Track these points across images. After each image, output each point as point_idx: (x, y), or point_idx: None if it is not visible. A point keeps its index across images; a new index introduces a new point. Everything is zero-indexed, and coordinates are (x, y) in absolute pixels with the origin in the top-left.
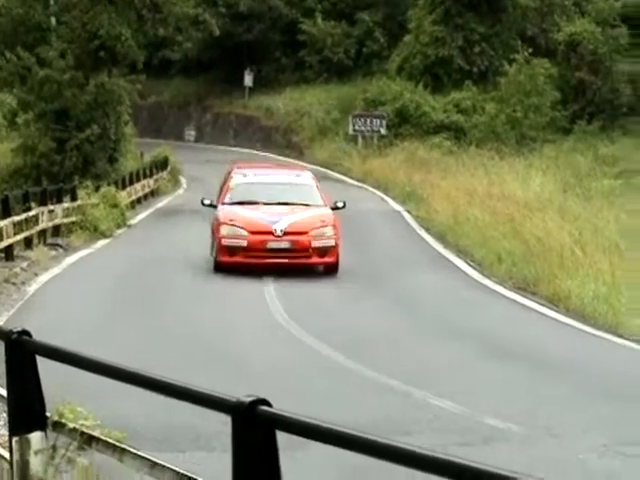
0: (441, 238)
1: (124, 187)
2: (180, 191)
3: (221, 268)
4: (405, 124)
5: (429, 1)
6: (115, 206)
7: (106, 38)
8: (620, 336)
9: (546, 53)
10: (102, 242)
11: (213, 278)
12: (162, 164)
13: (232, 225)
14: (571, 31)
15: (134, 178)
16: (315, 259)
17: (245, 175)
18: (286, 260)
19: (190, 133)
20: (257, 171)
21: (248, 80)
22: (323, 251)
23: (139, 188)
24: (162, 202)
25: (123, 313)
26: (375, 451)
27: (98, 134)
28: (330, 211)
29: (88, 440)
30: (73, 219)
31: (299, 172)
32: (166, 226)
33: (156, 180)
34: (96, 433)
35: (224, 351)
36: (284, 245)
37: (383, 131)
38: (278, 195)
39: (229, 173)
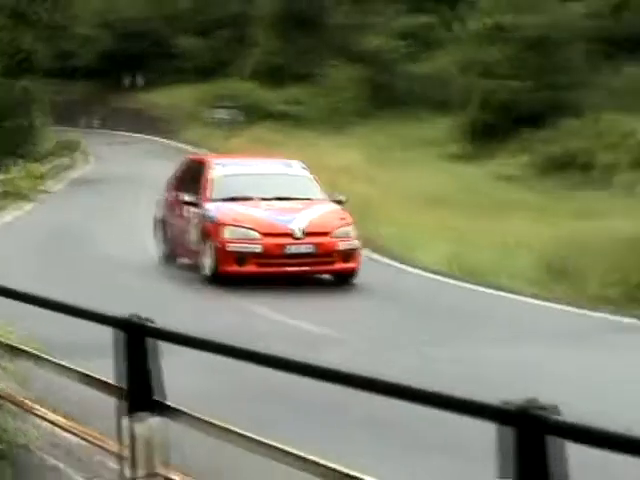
0: None
1: (44, 163)
2: (88, 167)
3: (225, 280)
4: (254, 113)
5: (269, 21)
6: (37, 178)
7: (28, 52)
8: (414, 266)
9: (357, 59)
10: (28, 206)
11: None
12: (74, 146)
13: (239, 226)
14: (375, 43)
15: (52, 156)
16: (338, 265)
17: (226, 165)
18: (307, 267)
19: (95, 122)
20: (237, 161)
21: (139, 81)
22: (347, 255)
23: (57, 164)
24: (75, 175)
25: (48, 256)
26: (232, 353)
27: (23, 125)
28: (339, 206)
29: (14, 350)
30: (4, 189)
31: (288, 161)
32: (78, 191)
33: (70, 158)
34: (20, 345)
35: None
36: (306, 249)
37: (237, 118)
38: (272, 188)
39: (204, 164)
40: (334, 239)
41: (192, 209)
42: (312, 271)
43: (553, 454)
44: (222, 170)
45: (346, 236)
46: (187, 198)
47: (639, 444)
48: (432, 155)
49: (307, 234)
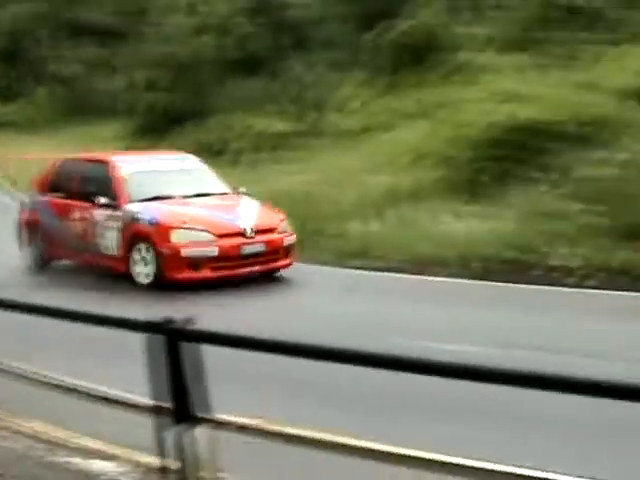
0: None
1: None
2: None
3: (174, 287)
4: None
5: None
6: None
7: None
8: None
9: (58, 79)
10: None
11: None
12: None
13: (189, 229)
14: (69, 68)
15: None
16: (282, 261)
17: (131, 163)
18: (258, 267)
19: None
20: (135, 158)
21: None
22: (288, 250)
23: None
24: None
25: None
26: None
27: None
28: (253, 199)
29: None
30: None
31: (181, 154)
32: None
33: None
34: None
35: None
36: (258, 248)
37: None
38: (185, 184)
39: (105, 163)
40: (280, 235)
41: (103, 212)
42: (261, 270)
43: (190, 355)
44: (130, 168)
45: (286, 231)
46: (103, 200)
47: (252, 341)
48: (112, 148)
49: (257, 232)
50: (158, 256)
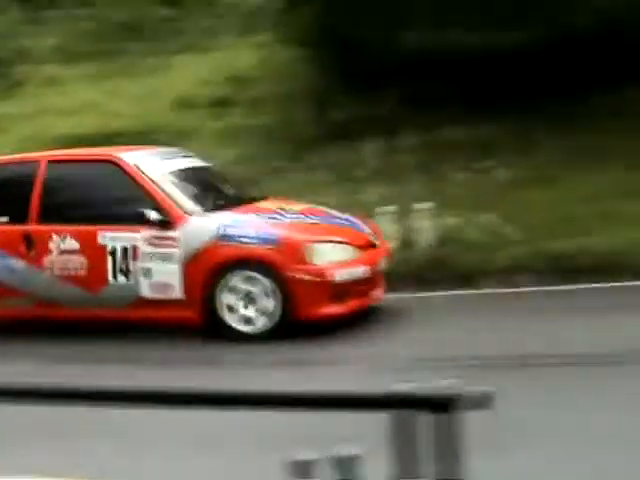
0: None
1: None
2: None
3: (304, 327)
4: None
5: None
6: None
7: None
8: None
9: None
10: None
11: None
12: None
13: (329, 242)
14: None
15: None
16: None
17: (149, 160)
18: (382, 289)
19: None
20: (139, 154)
21: None
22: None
23: None
24: None
25: None
26: None
27: None
28: None
29: None
30: None
31: (179, 150)
32: None
33: None
34: None
35: None
36: (385, 262)
37: None
38: (223, 188)
39: (114, 163)
40: (388, 242)
41: (132, 235)
42: (383, 294)
43: None
44: (155, 168)
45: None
46: (154, 216)
47: None
48: None
49: (377, 241)
50: (286, 287)
